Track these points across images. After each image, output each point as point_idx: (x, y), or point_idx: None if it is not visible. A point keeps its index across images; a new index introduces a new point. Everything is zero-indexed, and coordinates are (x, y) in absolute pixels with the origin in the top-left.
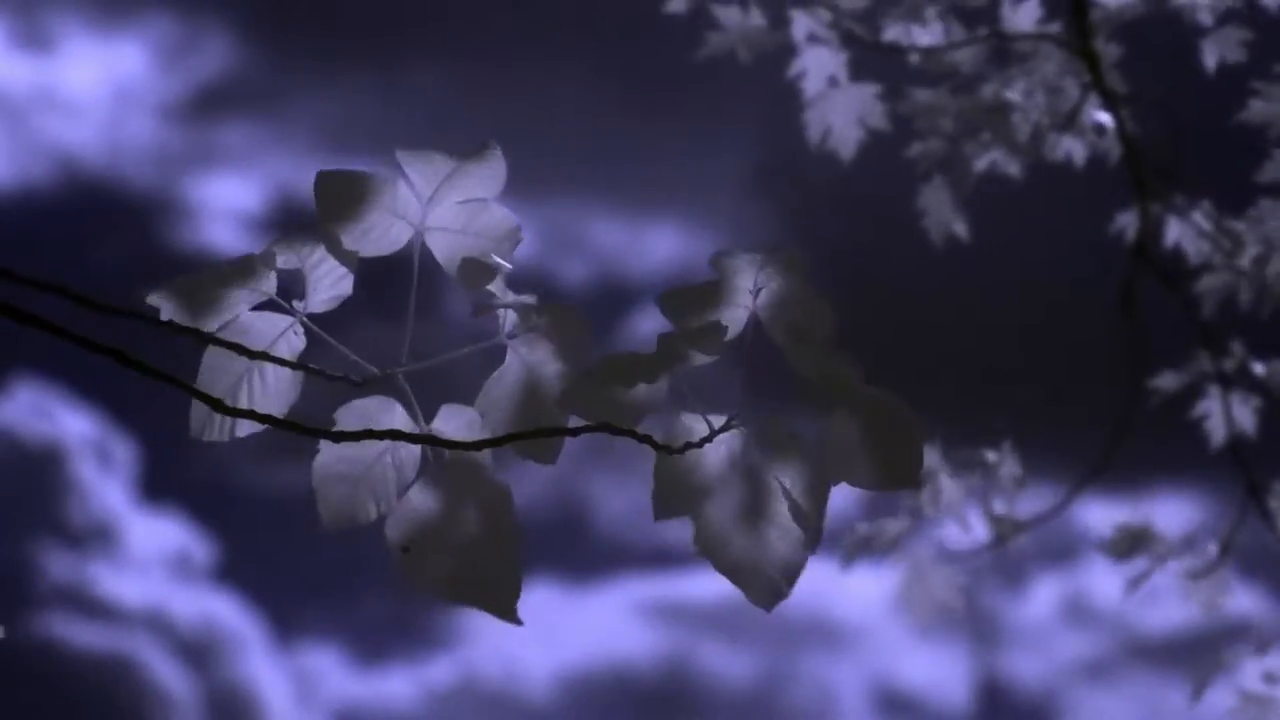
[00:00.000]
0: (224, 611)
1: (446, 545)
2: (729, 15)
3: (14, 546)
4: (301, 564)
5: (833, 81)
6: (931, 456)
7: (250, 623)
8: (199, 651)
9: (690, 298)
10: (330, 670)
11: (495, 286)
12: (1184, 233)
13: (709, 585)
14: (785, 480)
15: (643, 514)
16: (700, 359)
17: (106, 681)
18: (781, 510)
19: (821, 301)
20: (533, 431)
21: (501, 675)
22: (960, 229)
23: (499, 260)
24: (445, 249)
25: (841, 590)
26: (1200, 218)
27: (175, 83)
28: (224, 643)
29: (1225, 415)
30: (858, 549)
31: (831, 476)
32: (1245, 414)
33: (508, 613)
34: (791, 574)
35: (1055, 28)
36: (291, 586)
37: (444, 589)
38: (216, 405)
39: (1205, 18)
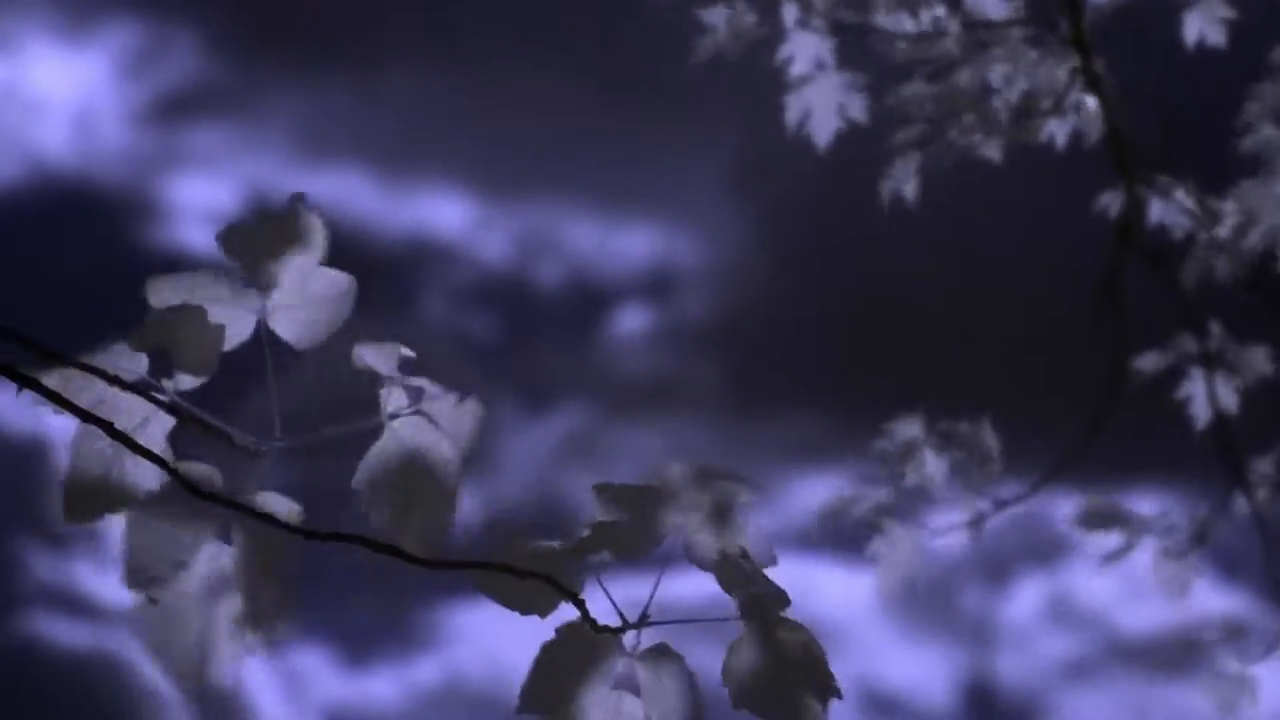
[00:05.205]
0: None
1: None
2: (716, 14)
3: None
4: None
5: (820, 65)
6: (914, 429)
7: None
8: None
9: (625, 496)
10: (319, 671)
11: (386, 368)
12: (1167, 212)
13: (697, 586)
14: (660, 701)
15: None
16: (624, 556)
17: (92, 681)
18: None
19: (748, 527)
20: (495, 564)
21: (488, 675)
22: (909, 191)
23: (402, 350)
24: (289, 327)
25: (826, 590)
26: (1183, 196)
27: (146, 86)
28: None
29: (1210, 396)
30: (834, 516)
31: (734, 703)
32: (1228, 394)
33: None
34: None
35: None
36: None
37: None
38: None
39: None
